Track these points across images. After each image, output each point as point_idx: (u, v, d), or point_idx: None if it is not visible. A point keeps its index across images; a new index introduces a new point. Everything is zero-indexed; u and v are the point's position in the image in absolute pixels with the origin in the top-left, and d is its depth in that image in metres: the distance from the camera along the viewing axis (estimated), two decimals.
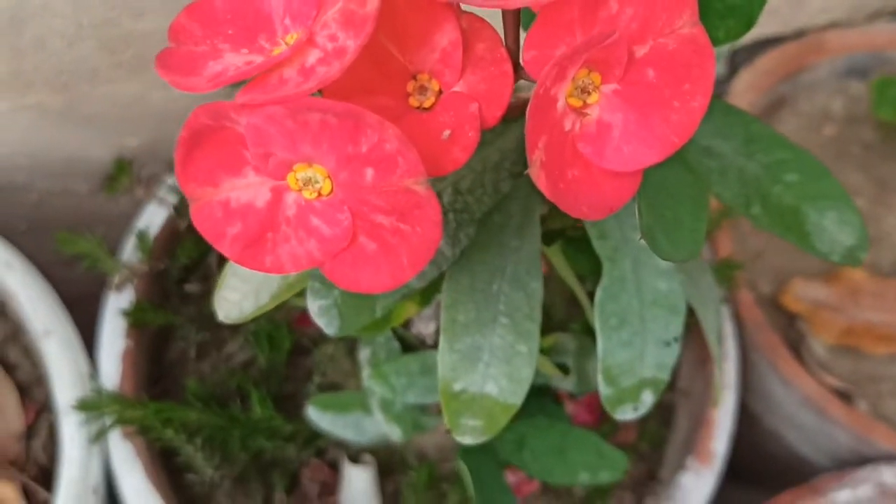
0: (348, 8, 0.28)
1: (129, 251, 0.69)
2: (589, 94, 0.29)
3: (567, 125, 0.28)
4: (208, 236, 0.30)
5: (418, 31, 0.30)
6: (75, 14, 0.66)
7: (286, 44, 0.30)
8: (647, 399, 0.41)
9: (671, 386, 0.75)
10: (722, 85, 0.85)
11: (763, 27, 0.83)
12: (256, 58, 0.30)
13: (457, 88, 0.30)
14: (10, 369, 0.69)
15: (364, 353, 0.55)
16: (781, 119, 0.85)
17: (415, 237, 0.28)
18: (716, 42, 0.38)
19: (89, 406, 0.63)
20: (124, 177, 0.70)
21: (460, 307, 0.39)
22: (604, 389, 0.40)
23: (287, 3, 0.30)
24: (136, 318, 0.67)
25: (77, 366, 0.65)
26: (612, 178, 0.29)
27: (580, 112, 0.29)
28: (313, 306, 0.37)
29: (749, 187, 0.41)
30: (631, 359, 0.40)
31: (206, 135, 0.29)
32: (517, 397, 0.39)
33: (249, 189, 0.29)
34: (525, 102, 0.29)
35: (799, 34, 0.84)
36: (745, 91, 0.82)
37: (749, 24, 0.37)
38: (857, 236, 0.41)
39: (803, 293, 0.76)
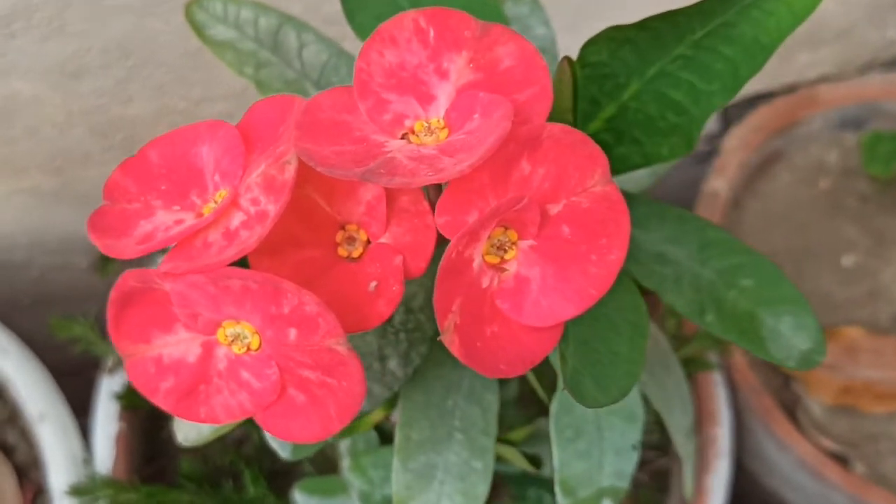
0: (269, 173, 0.28)
1: None
2: (506, 250, 0.29)
3: (485, 282, 0.29)
4: (143, 391, 0.30)
5: (344, 184, 0.30)
6: (65, 103, 0.68)
7: (215, 201, 0.30)
8: None
9: (665, 451, 0.75)
10: (713, 141, 0.85)
11: (753, 83, 0.83)
12: (187, 215, 0.30)
13: (383, 240, 0.30)
14: (8, 452, 0.70)
15: (344, 443, 0.55)
16: (776, 174, 0.84)
17: (341, 391, 0.29)
18: (660, 159, 0.38)
19: (83, 491, 0.64)
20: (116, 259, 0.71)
21: (415, 425, 0.39)
22: (561, 500, 0.40)
23: (217, 160, 0.31)
24: (129, 401, 0.68)
25: (71, 450, 0.66)
26: (533, 333, 0.29)
27: (498, 268, 0.29)
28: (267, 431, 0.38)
29: (703, 294, 0.41)
30: (588, 469, 0.40)
31: (136, 295, 0.29)
32: None
33: (180, 345, 0.30)
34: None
35: (789, 89, 0.84)
36: (738, 148, 0.82)
37: (689, 142, 0.37)
38: (813, 339, 0.41)
39: None
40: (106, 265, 0.72)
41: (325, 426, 0.30)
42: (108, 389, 0.68)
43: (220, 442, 0.71)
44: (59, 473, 0.65)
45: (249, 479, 0.66)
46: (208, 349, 0.30)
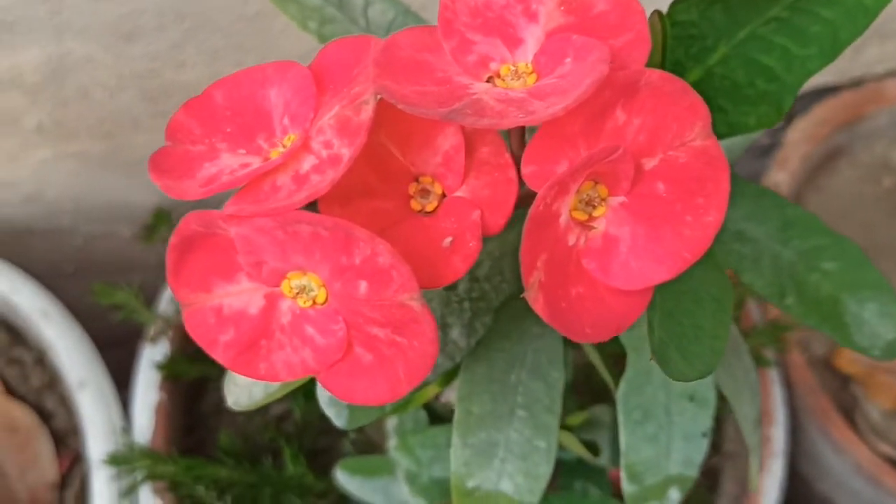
0: (343, 114, 0.27)
1: (166, 302, 0.69)
2: (594, 207, 0.27)
3: (571, 240, 0.27)
4: (201, 342, 0.29)
5: (420, 132, 0.28)
6: (117, 65, 0.66)
7: (284, 146, 0.29)
8: (674, 496, 0.39)
9: (717, 449, 0.72)
10: (776, 134, 0.83)
11: (819, 76, 0.81)
12: (253, 159, 0.29)
13: (459, 193, 0.29)
14: (46, 418, 0.69)
15: (391, 422, 0.54)
16: (838, 170, 0.82)
17: (411, 351, 0.27)
18: (747, 129, 0.36)
19: (120, 461, 0.63)
20: (163, 226, 0.70)
21: (475, 399, 0.37)
22: (627, 487, 0.38)
23: (286, 102, 0.29)
24: (170, 371, 0.66)
25: (110, 418, 0.65)
26: (620, 296, 0.27)
27: (585, 226, 0.27)
28: (323, 396, 0.36)
29: (784, 275, 0.39)
30: (656, 455, 0.38)
31: (198, 240, 0.28)
32: (534, 495, 0.37)
33: (243, 295, 0.28)
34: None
35: (856, 83, 0.81)
36: (801, 141, 0.80)
37: (780, 111, 0.35)
38: None
39: (858, 355, 0.73)
40: (151, 233, 0.71)
41: (393, 388, 0.28)
42: (149, 359, 0.67)
43: (261, 418, 0.70)
44: (98, 442, 0.64)
45: (289, 456, 0.65)
46: (272, 301, 0.28)
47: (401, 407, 0.43)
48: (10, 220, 0.77)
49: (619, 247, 0.27)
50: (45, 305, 0.68)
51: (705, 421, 0.39)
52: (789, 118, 0.83)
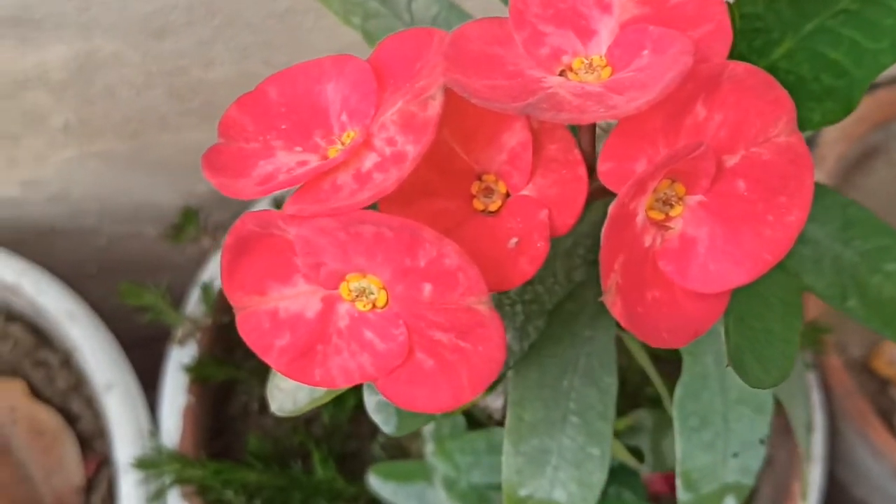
0: (408, 110, 0.26)
1: (194, 303, 0.68)
2: (671, 206, 0.26)
3: (647, 241, 0.25)
4: (255, 348, 0.28)
5: (485, 129, 0.27)
6: (144, 63, 0.66)
7: (342, 143, 0.28)
8: None
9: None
10: (812, 133, 0.81)
11: None
12: (310, 157, 0.28)
13: (525, 192, 0.27)
14: (72, 420, 0.68)
15: (427, 427, 0.53)
16: (874, 169, 0.80)
17: (476, 356, 0.26)
18: (810, 125, 0.35)
19: (148, 464, 0.62)
20: (191, 226, 0.69)
21: (527, 405, 0.36)
22: (682, 495, 0.37)
23: (344, 98, 0.28)
24: (198, 374, 0.65)
25: (137, 421, 0.64)
26: (697, 300, 0.26)
27: (661, 226, 0.26)
28: (370, 401, 0.35)
29: (845, 277, 0.37)
30: (713, 462, 0.37)
31: (254, 241, 0.27)
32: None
33: (299, 298, 0.27)
34: (598, 187, 0.26)
35: (893, 81, 0.80)
36: (836, 140, 0.78)
37: (849, 107, 0.34)
38: None
39: None
40: (178, 233, 0.70)
41: (456, 395, 0.27)
42: (177, 361, 0.66)
43: (289, 421, 0.69)
44: (125, 445, 0.63)
45: (318, 460, 0.64)
46: (329, 305, 0.27)
47: (445, 413, 0.42)
48: (35, 219, 0.76)
49: (697, 248, 0.26)
50: (71, 307, 0.67)
51: (763, 428, 0.37)
52: None
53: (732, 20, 0.30)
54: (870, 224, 0.38)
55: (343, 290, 0.27)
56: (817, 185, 0.39)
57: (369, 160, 0.26)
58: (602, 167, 0.25)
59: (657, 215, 0.26)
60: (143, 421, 0.64)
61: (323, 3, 0.42)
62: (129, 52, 0.64)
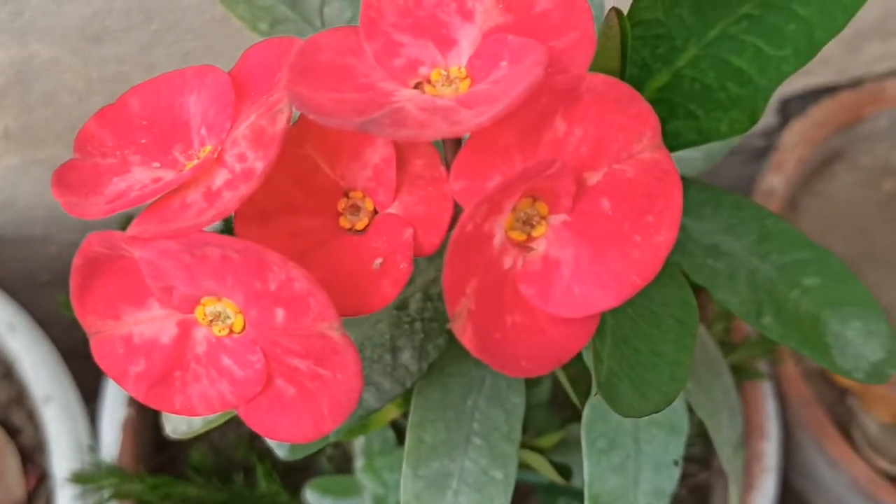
0: (258, 125, 0.24)
1: None
2: (534, 226, 0.24)
3: (507, 263, 0.24)
4: (110, 374, 0.26)
5: (348, 144, 0.26)
6: (85, 69, 0.64)
7: (199, 158, 0.26)
8: None
9: (707, 465, 0.70)
10: (771, 136, 0.80)
11: (816, 76, 0.78)
12: (167, 174, 0.26)
13: (391, 210, 0.26)
14: (13, 433, 0.67)
15: (358, 442, 0.51)
16: (836, 174, 0.79)
17: (335, 384, 0.25)
18: (719, 136, 0.34)
19: (86, 479, 0.60)
20: None
21: (428, 426, 0.35)
22: None
23: (204, 111, 0.26)
24: None
25: (76, 434, 0.63)
26: (562, 325, 0.24)
27: (523, 247, 0.25)
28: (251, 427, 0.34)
29: (761, 292, 0.36)
30: (623, 485, 0.35)
31: (105, 263, 0.25)
32: None
33: (154, 323, 0.26)
34: None
35: (855, 83, 0.79)
36: (797, 144, 0.77)
37: (754, 116, 0.33)
38: (885, 349, 0.36)
39: None
40: None
41: (317, 425, 0.25)
42: None
43: (234, 433, 0.68)
44: (63, 459, 0.62)
45: (262, 473, 0.63)
46: (185, 329, 0.26)
47: (357, 430, 0.41)
48: None
49: (561, 270, 0.24)
50: (11, 318, 0.66)
51: (677, 448, 0.36)
52: (785, 120, 0.80)
53: (622, 26, 0.29)
54: (788, 236, 0.37)
55: (199, 313, 0.26)
56: (734, 196, 0.38)
57: (220, 177, 0.25)
58: (455, 185, 0.23)
59: (518, 236, 0.24)
60: (83, 434, 0.63)
61: (227, 9, 0.41)
62: (67, 58, 0.63)
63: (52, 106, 0.66)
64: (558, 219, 0.24)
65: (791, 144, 0.77)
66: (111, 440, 0.63)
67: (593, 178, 0.24)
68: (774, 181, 0.75)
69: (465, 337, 0.23)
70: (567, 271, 0.24)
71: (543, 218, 0.25)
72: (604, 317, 0.26)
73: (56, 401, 0.64)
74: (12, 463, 0.66)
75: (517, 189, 0.23)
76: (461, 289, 0.23)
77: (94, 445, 0.63)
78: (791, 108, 0.80)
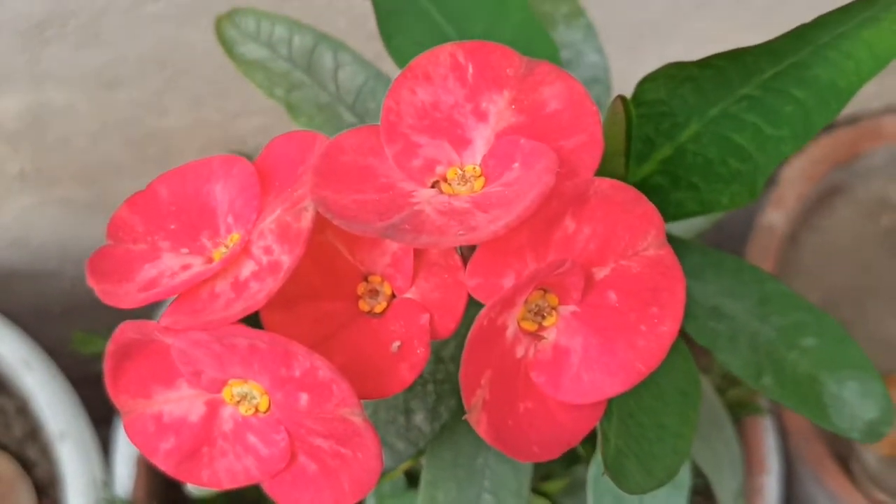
0: (284, 220, 0.26)
1: None
2: (545, 317, 0.26)
3: (519, 352, 0.26)
4: (142, 450, 0.28)
5: None
6: (99, 113, 0.66)
7: (226, 245, 0.28)
8: None
9: (710, 496, 0.71)
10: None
11: None
12: (195, 260, 0.28)
13: (409, 295, 0.27)
14: (28, 467, 0.68)
15: None
16: (835, 208, 0.80)
17: (356, 463, 0.26)
18: (720, 207, 0.35)
19: None
20: None
21: (441, 485, 0.36)
22: None
23: (231, 200, 0.28)
24: None
25: (91, 470, 0.64)
26: (571, 410, 0.26)
27: (535, 336, 0.26)
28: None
29: (761, 354, 0.37)
30: None
31: (136, 347, 0.27)
32: None
33: (183, 402, 0.27)
34: None
35: (852, 120, 0.80)
36: (796, 180, 0.78)
37: (753, 191, 0.34)
38: (880, 409, 0.37)
39: None
40: None
41: (338, 500, 0.27)
42: None
43: None
44: (78, 494, 0.63)
45: None
46: (213, 408, 0.27)
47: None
48: None
49: (571, 358, 0.26)
50: (26, 355, 0.67)
51: (679, 503, 0.37)
52: None
53: (627, 113, 0.31)
54: (787, 299, 0.38)
55: (226, 394, 0.27)
56: (735, 260, 0.39)
57: (247, 268, 0.26)
58: (470, 282, 0.25)
59: (530, 326, 0.26)
60: (97, 469, 0.64)
61: (245, 76, 0.42)
62: (82, 103, 0.65)
63: (66, 148, 0.68)
64: (568, 309, 0.26)
65: (790, 181, 0.78)
66: (125, 475, 0.64)
67: (601, 273, 0.25)
68: (775, 217, 0.77)
69: (481, 427, 0.24)
70: (576, 359, 0.26)
71: (554, 309, 0.26)
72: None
73: (71, 437, 0.65)
74: (27, 497, 0.67)
75: (529, 287, 0.25)
76: (477, 381, 0.24)
77: (107, 481, 0.65)
78: None
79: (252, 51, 0.42)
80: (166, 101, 0.66)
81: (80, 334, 0.66)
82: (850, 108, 0.80)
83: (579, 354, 0.26)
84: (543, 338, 0.26)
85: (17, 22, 0.57)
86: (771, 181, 0.80)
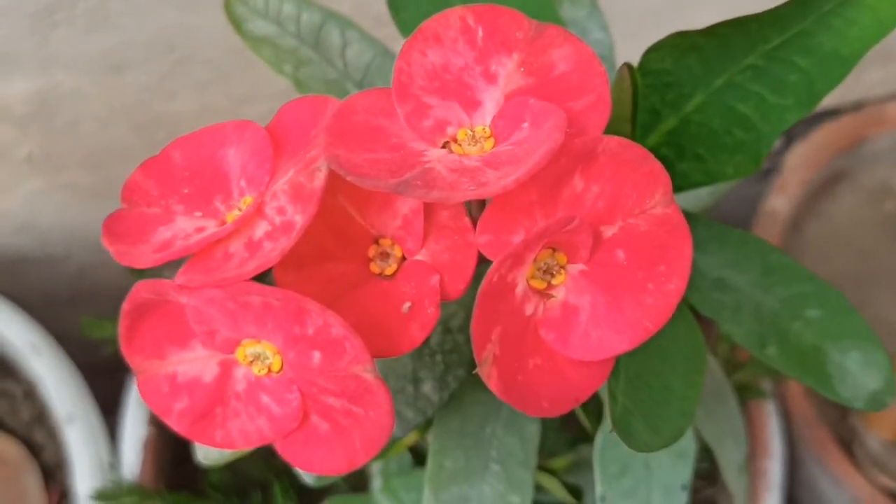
0: (297, 181, 0.26)
1: None
2: (553, 275, 0.26)
3: (528, 310, 0.26)
4: (155, 410, 0.28)
5: (379, 195, 0.28)
6: (107, 97, 0.66)
7: (240, 208, 0.28)
8: None
9: (713, 481, 0.71)
10: (775, 158, 0.82)
11: None
12: (209, 223, 0.28)
13: (419, 257, 0.28)
14: (35, 451, 0.69)
15: (375, 463, 0.53)
16: (839, 195, 0.81)
17: (367, 421, 0.27)
18: (725, 177, 0.36)
19: (107, 496, 0.62)
20: None
21: (448, 453, 0.36)
22: None
23: (244, 164, 0.28)
24: None
25: (98, 453, 0.64)
26: (580, 367, 0.26)
27: (544, 294, 0.26)
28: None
29: (765, 324, 0.38)
30: None
31: (151, 308, 0.27)
32: None
33: (197, 363, 0.28)
34: None
35: (857, 106, 0.80)
36: (800, 166, 0.79)
37: (757, 160, 0.34)
38: (883, 379, 0.37)
39: None
40: None
41: (350, 458, 0.27)
42: (137, 392, 0.66)
43: (251, 452, 0.69)
44: (85, 477, 0.64)
45: (279, 492, 0.64)
46: (226, 369, 0.28)
47: (377, 456, 0.42)
48: (3, 249, 0.77)
49: (579, 316, 0.26)
50: (34, 339, 0.68)
51: (685, 473, 0.38)
52: (788, 142, 0.82)
53: (633, 81, 0.31)
54: (791, 270, 0.39)
55: (239, 354, 0.27)
56: (738, 232, 0.40)
57: (261, 228, 0.26)
58: (480, 239, 0.25)
59: (539, 284, 0.26)
60: (104, 453, 0.65)
61: (254, 52, 0.42)
62: (90, 87, 0.65)
63: (74, 132, 0.68)
64: (576, 268, 0.26)
65: (794, 167, 0.78)
66: (132, 458, 0.65)
67: (609, 231, 0.26)
68: (778, 203, 0.77)
69: (492, 381, 0.25)
70: (585, 317, 0.26)
71: (563, 267, 0.26)
72: (618, 356, 0.27)
73: (78, 420, 0.65)
74: (34, 481, 0.68)
75: (539, 243, 0.25)
76: (487, 336, 0.25)
77: (114, 463, 0.65)
78: (794, 131, 0.81)
79: (260, 27, 0.42)
80: (173, 86, 0.66)
81: (88, 319, 0.67)
82: (854, 94, 0.81)
83: (588, 312, 0.26)
84: (552, 296, 0.26)
85: (26, 5, 0.57)
86: (774, 167, 0.81)
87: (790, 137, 0.82)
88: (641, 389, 0.29)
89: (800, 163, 0.79)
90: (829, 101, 0.81)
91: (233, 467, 0.68)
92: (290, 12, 0.42)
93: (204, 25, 0.62)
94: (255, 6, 0.42)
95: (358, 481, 0.68)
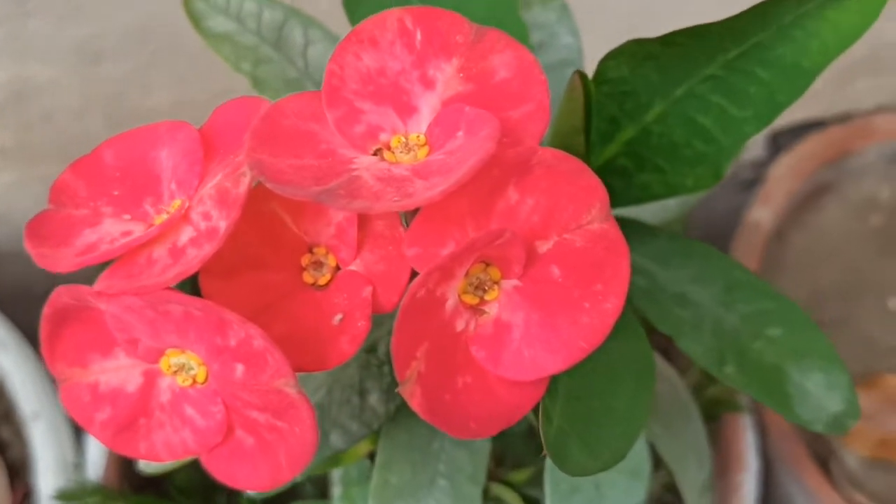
0: (223, 185, 0.25)
1: None
2: (486, 290, 0.25)
3: (459, 325, 0.25)
4: (78, 420, 0.27)
5: (312, 202, 0.27)
6: (82, 89, 0.65)
7: (168, 212, 0.27)
8: None
9: (678, 493, 0.70)
10: (759, 168, 0.81)
11: (805, 110, 0.79)
12: (137, 226, 0.27)
13: (353, 267, 0.27)
14: (2, 449, 0.68)
15: (336, 471, 0.52)
16: (824, 207, 0.80)
17: (292, 437, 0.26)
18: (685, 190, 0.35)
19: (70, 496, 0.61)
20: None
21: (394, 467, 0.35)
22: None
23: (175, 166, 0.27)
24: None
25: (62, 452, 0.63)
26: (511, 387, 0.25)
27: (476, 310, 0.25)
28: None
29: (725, 342, 0.37)
30: None
31: (73, 313, 0.26)
32: None
33: (120, 372, 0.27)
34: None
35: (844, 118, 0.79)
36: (785, 176, 0.77)
37: (718, 174, 0.33)
38: (845, 401, 0.36)
39: None
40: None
41: (274, 475, 0.26)
42: None
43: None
44: (49, 476, 0.63)
45: (244, 496, 0.63)
46: (150, 379, 0.27)
47: (330, 464, 0.42)
48: None
49: (512, 334, 0.25)
50: (1, 334, 0.67)
51: (638, 493, 0.37)
52: (775, 152, 0.81)
53: (586, 89, 0.30)
54: (754, 287, 0.38)
55: (164, 364, 0.26)
56: (702, 246, 0.39)
57: (186, 234, 0.25)
58: (409, 251, 0.24)
59: (471, 299, 0.25)
60: (69, 452, 0.64)
61: (213, 49, 0.41)
62: (65, 78, 0.64)
63: (49, 124, 0.67)
64: (510, 284, 0.25)
65: (779, 177, 0.77)
66: (97, 459, 0.64)
67: (544, 247, 0.25)
68: (762, 214, 0.76)
69: (415, 400, 0.24)
70: (518, 335, 0.25)
71: (496, 283, 0.25)
72: (557, 375, 0.26)
73: (43, 418, 0.64)
74: (0, 478, 0.67)
75: (469, 257, 0.24)
76: (412, 353, 0.24)
77: (79, 463, 0.64)
78: (780, 142, 0.80)
79: (220, 24, 0.41)
80: (150, 79, 0.65)
81: None
82: (841, 106, 0.80)
83: (521, 330, 0.25)
84: (485, 312, 0.25)
85: None
86: (759, 178, 0.79)
87: (776, 147, 0.81)
88: (580, 410, 0.28)
89: (785, 173, 0.78)
90: (816, 111, 0.80)
91: (199, 469, 0.67)
92: (251, 9, 0.41)
93: (182, 16, 0.61)
94: (216, 3, 0.41)
95: (325, 486, 0.67)
